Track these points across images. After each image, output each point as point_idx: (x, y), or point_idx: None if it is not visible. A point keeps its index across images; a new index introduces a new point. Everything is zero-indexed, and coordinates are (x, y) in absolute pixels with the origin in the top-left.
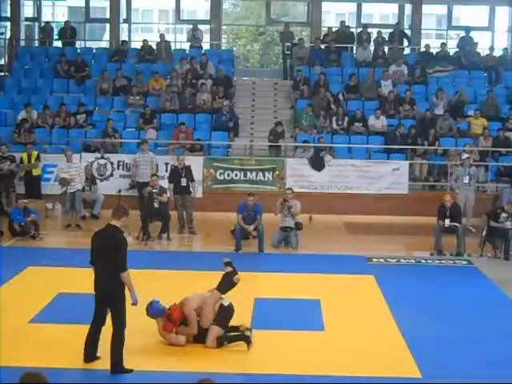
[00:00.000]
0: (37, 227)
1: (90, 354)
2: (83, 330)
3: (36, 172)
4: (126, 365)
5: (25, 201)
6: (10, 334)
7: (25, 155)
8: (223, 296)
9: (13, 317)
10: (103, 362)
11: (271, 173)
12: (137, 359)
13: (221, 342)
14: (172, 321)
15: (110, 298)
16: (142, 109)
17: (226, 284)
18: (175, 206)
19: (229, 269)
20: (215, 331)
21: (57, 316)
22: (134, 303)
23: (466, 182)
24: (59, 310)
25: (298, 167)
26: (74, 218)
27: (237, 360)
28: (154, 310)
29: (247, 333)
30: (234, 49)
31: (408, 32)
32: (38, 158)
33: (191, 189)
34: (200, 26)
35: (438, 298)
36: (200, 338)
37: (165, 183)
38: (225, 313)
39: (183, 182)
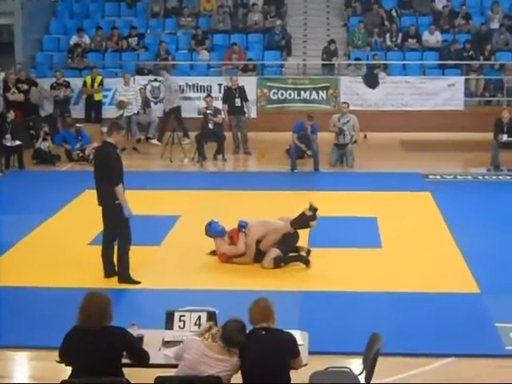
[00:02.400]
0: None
1: (109, 270)
2: (142, 251)
3: (98, 97)
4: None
5: (79, 125)
6: (71, 256)
7: (88, 79)
8: None
9: (73, 239)
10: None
11: (325, 91)
12: (193, 277)
13: (277, 263)
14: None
15: (107, 214)
16: (194, 30)
17: (301, 223)
18: (230, 127)
19: (309, 213)
20: (273, 252)
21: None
22: (127, 217)
23: None
24: None
25: (351, 85)
26: (130, 141)
27: (294, 278)
28: (212, 230)
29: (303, 253)
30: None
31: None
32: (101, 83)
33: (245, 109)
34: None
35: (496, 214)
36: (258, 258)
37: (219, 104)
38: (288, 239)
39: (237, 102)
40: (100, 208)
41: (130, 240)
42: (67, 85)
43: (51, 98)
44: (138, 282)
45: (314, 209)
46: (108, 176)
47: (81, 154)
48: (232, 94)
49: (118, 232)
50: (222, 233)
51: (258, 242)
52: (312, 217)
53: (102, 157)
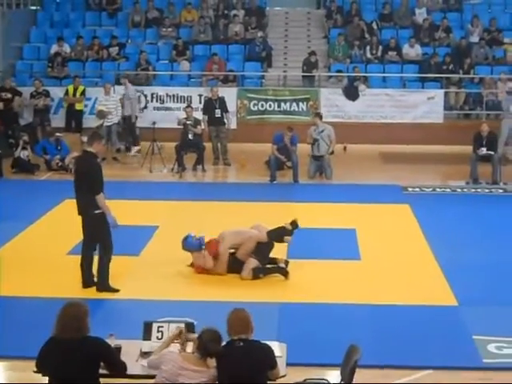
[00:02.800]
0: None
1: (87, 281)
2: (121, 261)
3: (79, 106)
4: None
5: (59, 134)
6: (50, 266)
7: (71, 88)
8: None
9: (52, 248)
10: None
11: (305, 103)
12: (172, 288)
13: (256, 274)
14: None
15: (88, 223)
16: (175, 40)
17: (277, 235)
18: (209, 138)
19: (289, 227)
20: (252, 263)
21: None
22: (112, 226)
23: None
24: None
25: (331, 97)
26: (110, 151)
27: (273, 289)
28: (189, 244)
29: (282, 265)
30: None
31: None
32: (83, 93)
33: (225, 120)
34: None
35: (474, 227)
36: (236, 268)
37: (199, 115)
38: (263, 248)
39: (217, 113)
40: (80, 217)
41: (112, 250)
42: (47, 94)
43: (31, 107)
44: (117, 290)
45: (295, 225)
46: (89, 185)
47: (60, 164)
48: (212, 105)
49: (98, 242)
50: (199, 247)
51: (234, 251)
52: (289, 232)
53: (83, 166)
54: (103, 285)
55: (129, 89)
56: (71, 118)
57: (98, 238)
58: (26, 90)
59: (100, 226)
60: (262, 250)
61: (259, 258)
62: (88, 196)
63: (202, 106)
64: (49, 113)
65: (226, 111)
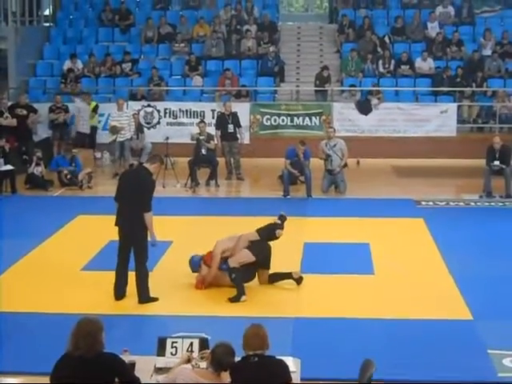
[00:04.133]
0: (90, 178)
1: (120, 293)
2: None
3: (92, 122)
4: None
5: (75, 150)
6: (64, 282)
7: None
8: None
9: (65, 264)
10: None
11: (318, 117)
12: (185, 303)
13: (234, 273)
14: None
15: (133, 236)
16: (188, 56)
17: (267, 231)
18: (222, 153)
19: (278, 221)
20: (243, 255)
21: (108, 263)
22: (153, 244)
23: None
24: (110, 258)
25: (344, 111)
26: (123, 167)
27: (287, 304)
28: (195, 265)
29: (296, 276)
30: None
31: None
32: (95, 109)
33: (238, 135)
34: None
35: (488, 241)
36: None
37: (212, 130)
38: (257, 245)
39: (230, 128)
40: (116, 229)
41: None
42: (66, 109)
43: (46, 123)
44: (157, 299)
45: (283, 218)
46: (141, 200)
47: (69, 177)
48: (225, 120)
49: (136, 255)
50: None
51: (227, 256)
52: (279, 225)
53: (139, 179)
54: (145, 296)
55: (80, 104)
56: (84, 134)
57: (139, 253)
58: (39, 107)
59: (144, 239)
60: (256, 246)
61: (254, 252)
62: (137, 210)
63: (214, 121)
64: (68, 128)
65: (239, 126)
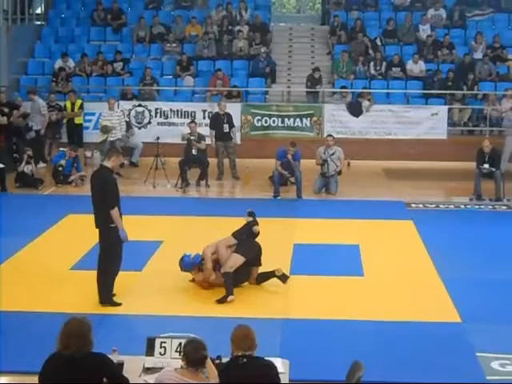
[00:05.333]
0: (82, 180)
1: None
2: (124, 276)
3: (78, 120)
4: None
5: (74, 152)
6: (53, 281)
7: (68, 103)
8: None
9: (55, 263)
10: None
11: (309, 119)
12: (174, 303)
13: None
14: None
15: (99, 235)
16: (179, 56)
17: (243, 231)
18: (216, 153)
19: (249, 218)
20: (234, 259)
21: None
22: (123, 241)
23: None
24: None
25: (335, 113)
26: None
27: (276, 305)
28: (186, 264)
29: (278, 273)
30: None
31: None
32: (81, 107)
33: (232, 135)
34: None
35: (478, 243)
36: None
37: (203, 130)
38: (244, 243)
39: (225, 128)
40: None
41: (120, 264)
42: (60, 108)
43: (43, 118)
44: (119, 304)
45: (252, 213)
46: (103, 199)
47: (65, 175)
48: (220, 120)
49: (110, 255)
50: (195, 266)
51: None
52: (253, 222)
53: (99, 180)
54: (106, 297)
55: (37, 102)
56: (72, 132)
57: (111, 252)
58: (29, 105)
59: (113, 239)
60: (242, 246)
61: (242, 252)
62: (103, 210)
63: (206, 121)
64: (60, 127)
65: (233, 126)
